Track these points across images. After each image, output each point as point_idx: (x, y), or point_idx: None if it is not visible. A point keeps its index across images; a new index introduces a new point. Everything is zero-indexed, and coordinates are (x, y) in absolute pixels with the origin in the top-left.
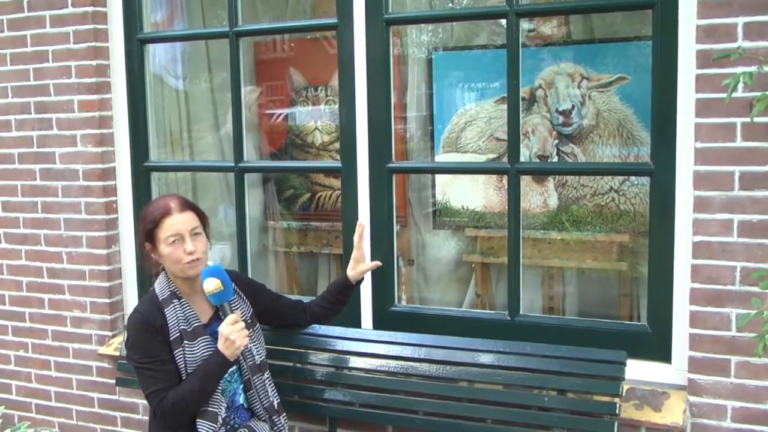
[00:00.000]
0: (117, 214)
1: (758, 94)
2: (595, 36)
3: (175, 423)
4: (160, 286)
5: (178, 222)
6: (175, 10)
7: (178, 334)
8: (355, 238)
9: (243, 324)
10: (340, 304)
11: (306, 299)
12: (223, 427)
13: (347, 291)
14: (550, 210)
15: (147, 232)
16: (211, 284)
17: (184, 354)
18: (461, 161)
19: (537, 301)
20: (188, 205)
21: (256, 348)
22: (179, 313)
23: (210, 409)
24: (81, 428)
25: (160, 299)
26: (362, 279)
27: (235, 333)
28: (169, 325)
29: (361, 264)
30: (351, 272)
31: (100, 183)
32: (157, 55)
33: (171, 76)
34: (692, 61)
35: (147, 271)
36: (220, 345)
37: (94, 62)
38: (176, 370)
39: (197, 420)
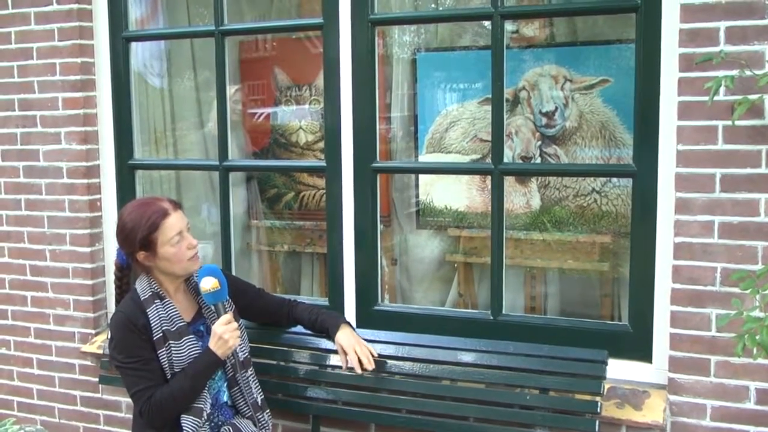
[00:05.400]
0: (101, 212)
1: (740, 97)
2: (578, 38)
3: (162, 422)
4: (141, 286)
5: (178, 220)
6: (159, 8)
7: (161, 334)
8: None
9: (236, 324)
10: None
11: (294, 297)
12: (207, 424)
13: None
14: (532, 211)
15: (143, 239)
16: (209, 283)
17: (170, 353)
18: (445, 161)
19: (519, 301)
20: (178, 204)
21: (239, 345)
22: (162, 312)
23: (196, 405)
24: (63, 426)
25: (142, 299)
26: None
27: (228, 333)
28: (152, 324)
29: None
30: (335, 340)
31: (84, 181)
32: (138, 53)
33: (151, 74)
34: (675, 64)
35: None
36: (212, 344)
37: (78, 60)
38: (161, 369)
39: (182, 415)
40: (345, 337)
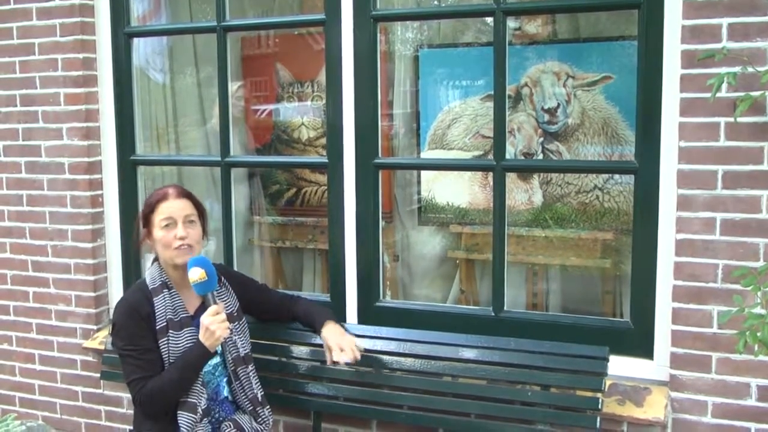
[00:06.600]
0: (103, 208)
1: (742, 94)
2: (580, 35)
3: (154, 412)
4: (151, 275)
5: (173, 207)
6: (161, 4)
7: (165, 323)
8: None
9: (224, 315)
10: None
11: (297, 293)
12: (205, 418)
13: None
14: (534, 207)
15: (144, 217)
16: (196, 274)
17: (168, 343)
18: (447, 158)
19: (521, 298)
20: (186, 194)
21: (240, 341)
22: (168, 302)
23: (189, 399)
24: (65, 422)
25: (150, 288)
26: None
27: (215, 324)
28: (157, 314)
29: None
30: (321, 336)
31: (86, 176)
32: (140, 49)
33: (153, 69)
34: (677, 61)
35: (141, 254)
36: (201, 335)
37: (80, 55)
38: (160, 360)
39: (178, 411)
40: (329, 332)
